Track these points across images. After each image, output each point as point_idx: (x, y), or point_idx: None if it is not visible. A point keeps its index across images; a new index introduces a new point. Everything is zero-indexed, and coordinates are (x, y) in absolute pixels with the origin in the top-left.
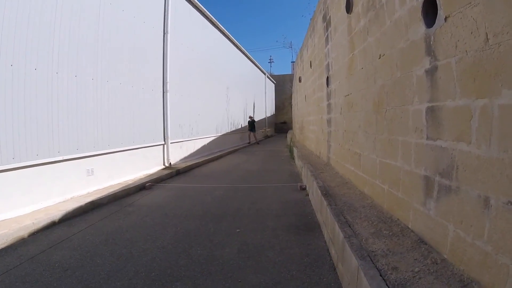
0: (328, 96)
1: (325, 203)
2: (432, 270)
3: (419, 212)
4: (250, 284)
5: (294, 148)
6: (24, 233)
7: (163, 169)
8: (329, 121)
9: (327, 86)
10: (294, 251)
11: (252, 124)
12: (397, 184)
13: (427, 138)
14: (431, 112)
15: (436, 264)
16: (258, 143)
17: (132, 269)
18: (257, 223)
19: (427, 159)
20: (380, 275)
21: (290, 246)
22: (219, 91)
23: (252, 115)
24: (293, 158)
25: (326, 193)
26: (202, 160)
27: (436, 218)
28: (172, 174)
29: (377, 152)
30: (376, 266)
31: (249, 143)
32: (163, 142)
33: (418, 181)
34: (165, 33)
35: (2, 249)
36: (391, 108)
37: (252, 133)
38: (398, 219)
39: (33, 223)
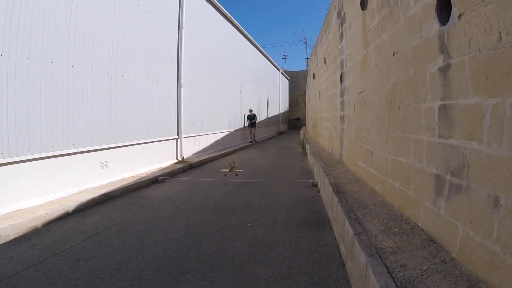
0: (342, 92)
1: (336, 199)
2: (440, 269)
3: (429, 210)
4: (260, 277)
5: (306, 145)
6: (38, 223)
7: (176, 163)
8: (342, 118)
9: (341, 83)
10: (304, 246)
11: (252, 118)
12: (408, 182)
13: (439, 136)
14: (444, 110)
15: (445, 263)
16: (253, 141)
17: (143, 260)
18: (268, 218)
19: (438, 157)
20: (388, 272)
21: (300, 242)
22: (232, 86)
23: (252, 109)
24: (306, 155)
25: (338, 190)
26: (214, 155)
27: (446, 217)
28: (185, 168)
29: (389, 150)
30: (384, 263)
31: (251, 141)
32: (176, 136)
33: (429, 179)
34: (179, 28)
35: (16, 238)
36: (404, 106)
37: (253, 129)
38: (408, 217)
39: (47, 213)
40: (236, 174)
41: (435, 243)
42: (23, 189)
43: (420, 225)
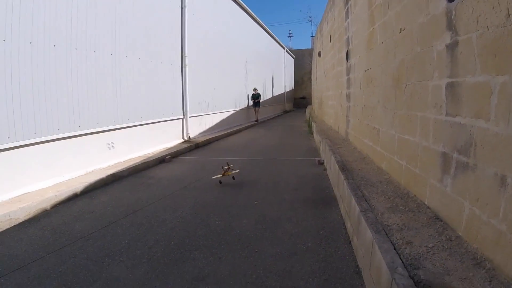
0: (348, 70)
1: (342, 177)
2: (446, 247)
3: (436, 188)
4: (267, 254)
5: (312, 123)
6: (47, 205)
7: (182, 142)
8: (348, 96)
9: (347, 61)
10: (310, 223)
11: (257, 97)
12: (414, 160)
13: (446, 114)
14: (451, 87)
15: (451, 241)
16: (257, 121)
17: (151, 239)
18: (275, 195)
19: (445, 135)
20: (394, 249)
21: (306, 219)
22: (237, 66)
23: (256, 88)
24: (312, 133)
25: (344, 168)
26: (220, 134)
27: (452, 195)
28: (191, 147)
29: (395, 128)
30: (390, 240)
31: (256, 121)
32: (182, 116)
33: (435, 157)
34: (182, 7)
35: (26, 220)
36: (410, 83)
37: (256, 108)
38: (414, 195)
39: (55, 195)
40: (233, 178)
41: (441, 221)
42: (31, 172)
43: (426, 203)
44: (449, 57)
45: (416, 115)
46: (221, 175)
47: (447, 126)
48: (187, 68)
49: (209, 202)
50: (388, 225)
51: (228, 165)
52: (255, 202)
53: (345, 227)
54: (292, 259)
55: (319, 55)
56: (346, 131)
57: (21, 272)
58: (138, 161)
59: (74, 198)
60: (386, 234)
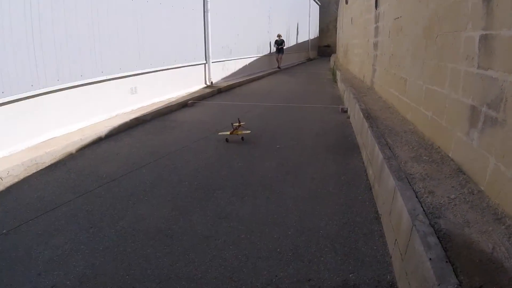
0: (376, 18)
1: (366, 125)
2: (467, 200)
3: (462, 141)
4: (288, 196)
5: (337, 72)
6: (72, 149)
7: (205, 87)
8: (375, 45)
9: (376, 8)
10: (332, 169)
11: (280, 44)
12: (441, 112)
13: (478, 67)
14: (484, 40)
15: (473, 194)
16: (279, 68)
17: (175, 179)
18: (297, 141)
19: (475, 88)
20: (416, 197)
21: (328, 165)
22: (261, 11)
23: (280, 34)
24: (336, 82)
25: (368, 116)
26: (243, 80)
27: (478, 150)
28: (214, 92)
29: (424, 78)
30: (413, 188)
31: (278, 67)
32: (204, 62)
33: (464, 110)
34: None
35: (52, 164)
36: (442, 34)
37: (279, 55)
38: (439, 147)
39: (81, 139)
40: (242, 138)
41: (464, 174)
42: (56, 118)
43: (450, 155)
44: (485, 9)
45: (447, 66)
46: (228, 133)
47: (478, 79)
48: (209, 13)
49: (232, 145)
50: (411, 174)
51: (239, 123)
52: (277, 146)
53: (367, 174)
54: (312, 202)
55: (346, 2)
56: (371, 80)
57: (49, 214)
58: (161, 105)
59: (98, 141)
60: (409, 182)
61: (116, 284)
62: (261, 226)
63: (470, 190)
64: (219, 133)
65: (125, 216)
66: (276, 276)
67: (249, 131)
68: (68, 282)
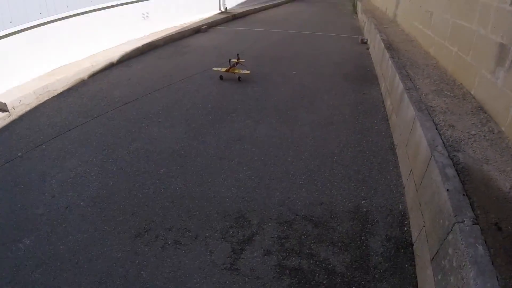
0: None
1: (387, 55)
2: (487, 138)
3: (486, 79)
4: (304, 121)
5: (358, 2)
6: (84, 75)
7: (219, 13)
8: None
9: None
10: (349, 98)
11: None
12: (467, 48)
13: (511, 4)
14: None
15: (493, 133)
16: None
17: (189, 102)
18: (314, 68)
19: (506, 26)
20: (436, 129)
21: (345, 93)
22: None
23: None
24: (356, 13)
25: (390, 47)
26: (258, 7)
27: (502, 89)
28: (228, 18)
29: (451, 12)
30: (433, 120)
31: None
32: None
33: (491, 47)
34: None
35: (64, 91)
36: None
37: None
38: (461, 83)
39: (92, 65)
40: (239, 78)
41: (485, 113)
42: (66, 46)
43: (472, 93)
44: None
45: (477, 1)
46: (224, 70)
47: (509, 16)
48: None
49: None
50: (431, 106)
51: (238, 59)
52: (294, 73)
53: (384, 105)
54: (328, 128)
55: None
56: (394, 13)
57: (62, 138)
58: (173, 31)
59: (110, 67)
60: (429, 114)
61: (129, 203)
62: (275, 149)
63: (490, 129)
64: (213, 69)
65: (139, 138)
66: (289, 198)
67: (248, 71)
68: (82, 203)
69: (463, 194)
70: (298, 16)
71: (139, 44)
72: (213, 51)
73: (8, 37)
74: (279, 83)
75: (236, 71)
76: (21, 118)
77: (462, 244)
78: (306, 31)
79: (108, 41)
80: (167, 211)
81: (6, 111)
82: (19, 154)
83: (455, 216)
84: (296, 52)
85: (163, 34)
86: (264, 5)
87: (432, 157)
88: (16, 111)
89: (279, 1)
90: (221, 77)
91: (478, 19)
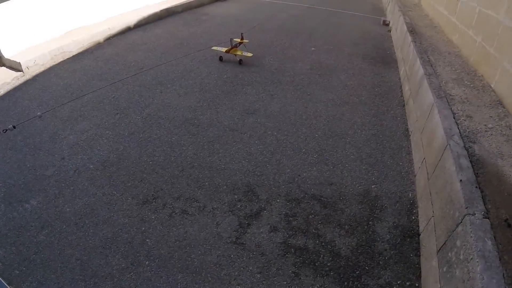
0: None
1: (409, 39)
2: (503, 133)
3: (507, 73)
4: (319, 99)
5: None
6: (100, 38)
7: None
8: None
9: None
10: (367, 79)
11: None
12: (492, 38)
13: None
14: None
15: (509, 129)
16: None
17: (205, 70)
18: (333, 45)
19: None
20: (454, 118)
21: (363, 74)
22: None
23: None
24: None
25: (412, 30)
26: None
27: None
28: None
29: (479, 0)
30: (451, 109)
31: None
32: None
33: None
34: None
35: (79, 53)
36: None
37: None
38: (482, 75)
39: (109, 28)
40: (240, 61)
41: (504, 107)
42: (83, 7)
43: (492, 85)
44: None
45: None
46: (223, 50)
47: None
48: None
49: (265, 43)
50: (450, 94)
51: (242, 39)
52: (313, 49)
53: (402, 90)
54: (343, 108)
55: None
56: None
57: (75, 100)
58: None
59: (127, 31)
60: (448, 102)
61: (139, 169)
62: (288, 125)
63: (508, 124)
64: (212, 48)
65: (152, 104)
66: (299, 175)
67: (251, 54)
68: (91, 166)
69: (476, 187)
70: None
71: (157, 9)
72: (230, 21)
73: None
74: (297, 58)
75: (238, 53)
76: (35, 78)
77: (471, 237)
78: (327, 8)
79: (127, 5)
80: (176, 179)
81: (20, 71)
82: (38, 113)
83: (466, 208)
84: (316, 27)
85: (182, 1)
86: None
87: (448, 145)
88: (30, 71)
89: None
90: (220, 59)
91: (507, 9)
